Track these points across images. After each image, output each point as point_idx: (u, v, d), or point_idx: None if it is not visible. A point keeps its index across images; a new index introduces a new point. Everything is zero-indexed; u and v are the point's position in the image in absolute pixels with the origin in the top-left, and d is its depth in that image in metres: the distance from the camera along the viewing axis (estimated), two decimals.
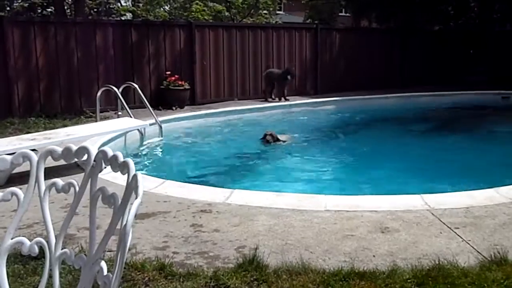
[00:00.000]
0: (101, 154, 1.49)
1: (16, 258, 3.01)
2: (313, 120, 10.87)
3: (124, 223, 1.29)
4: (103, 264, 1.41)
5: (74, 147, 1.55)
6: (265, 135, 7.91)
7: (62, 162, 1.75)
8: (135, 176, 1.37)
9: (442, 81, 14.82)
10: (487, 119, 11.17)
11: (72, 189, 1.62)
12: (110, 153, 1.47)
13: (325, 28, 14.29)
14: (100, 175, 1.64)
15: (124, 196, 1.37)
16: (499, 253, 3.14)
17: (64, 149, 1.61)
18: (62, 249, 1.65)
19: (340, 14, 26.15)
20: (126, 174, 1.41)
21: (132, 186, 1.36)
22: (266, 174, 6.33)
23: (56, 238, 1.66)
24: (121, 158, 1.45)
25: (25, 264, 3.04)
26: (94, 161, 1.51)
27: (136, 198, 1.33)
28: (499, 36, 16.29)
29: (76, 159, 1.56)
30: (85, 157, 1.52)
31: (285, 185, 5.54)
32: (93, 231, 1.45)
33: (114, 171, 1.46)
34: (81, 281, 1.43)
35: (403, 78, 14.86)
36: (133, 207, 1.28)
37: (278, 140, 7.90)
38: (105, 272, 1.38)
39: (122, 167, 1.43)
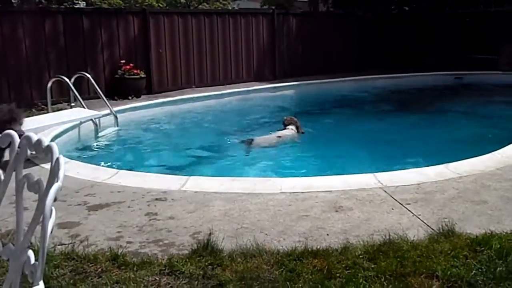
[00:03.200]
0: (25, 140, 1.43)
1: None
2: (272, 104, 10.90)
3: (43, 207, 1.23)
4: (31, 253, 1.36)
5: None
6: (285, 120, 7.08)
7: None
8: (57, 159, 1.32)
9: (399, 64, 15.10)
10: (440, 98, 11.49)
11: None
12: (35, 138, 1.41)
13: (282, 13, 14.27)
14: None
15: (48, 182, 1.32)
16: (447, 225, 3.24)
17: None
18: None
19: None
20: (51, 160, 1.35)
21: (55, 170, 1.31)
22: (222, 161, 6.31)
23: None
24: (45, 143, 1.39)
25: None
26: (19, 147, 1.45)
27: (57, 181, 1.28)
28: (451, 18, 16.69)
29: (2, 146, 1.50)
30: (9, 144, 1.45)
31: (243, 170, 5.56)
32: (20, 220, 1.39)
33: (40, 157, 1.41)
34: (10, 272, 1.37)
35: (361, 61, 15.05)
36: (52, 190, 1.23)
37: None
38: (32, 261, 1.33)
39: (46, 152, 1.37)
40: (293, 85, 12.42)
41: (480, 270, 2.70)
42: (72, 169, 4.87)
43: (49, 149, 1.35)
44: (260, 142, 6.73)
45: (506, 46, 14.88)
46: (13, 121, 4.46)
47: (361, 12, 15.18)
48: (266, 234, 3.33)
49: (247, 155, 6.48)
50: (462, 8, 16.73)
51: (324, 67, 13.95)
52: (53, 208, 1.27)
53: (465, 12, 16.48)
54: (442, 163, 4.74)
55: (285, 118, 7.29)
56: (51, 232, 1.29)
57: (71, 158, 5.64)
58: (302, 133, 7.17)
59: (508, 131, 7.05)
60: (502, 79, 13.47)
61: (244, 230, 3.41)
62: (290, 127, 7.05)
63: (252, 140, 6.73)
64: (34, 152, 1.45)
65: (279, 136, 6.89)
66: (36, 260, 1.35)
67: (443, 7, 17.31)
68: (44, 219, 1.22)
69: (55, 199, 1.28)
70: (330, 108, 10.64)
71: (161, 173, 5.07)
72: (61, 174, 1.28)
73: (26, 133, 1.47)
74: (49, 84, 8.03)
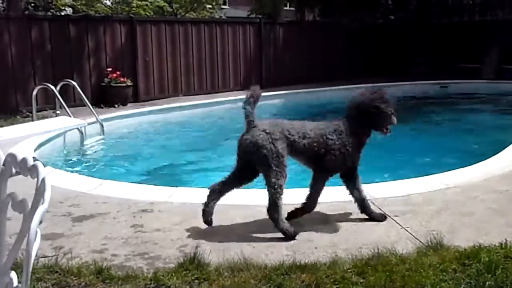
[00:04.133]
0: (10, 158, 1.38)
1: None
2: (258, 113, 10.86)
3: (28, 231, 1.19)
4: (13, 274, 1.31)
5: None
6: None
7: None
8: (43, 180, 1.27)
9: (386, 73, 15.22)
10: (427, 108, 11.57)
11: None
12: (20, 156, 1.36)
13: (269, 22, 14.33)
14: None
15: (33, 202, 1.28)
16: (435, 238, 3.23)
17: None
18: None
19: (285, 8, 26.33)
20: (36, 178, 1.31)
21: (41, 191, 1.26)
22: (210, 171, 6.25)
23: None
24: (30, 162, 1.35)
25: None
26: (3, 165, 1.40)
27: (43, 203, 1.23)
28: (437, 28, 16.90)
29: None
30: None
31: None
32: (2, 241, 1.34)
33: (24, 176, 1.36)
34: None
35: (348, 70, 15.14)
36: (37, 213, 1.19)
37: None
38: (15, 283, 1.28)
39: (32, 171, 1.33)
40: (280, 94, 12.44)
41: (469, 284, 2.68)
42: (57, 179, 4.79)
43: (34, 168, 1.31)
44: None
45: (490, 55, 15.10)
46: None
47: (348, 21, 15.29)
48: (253, 247, 3.29)
49: None
50: (448, 18, 16.95)
51: (311, 76, 14.01)
52: (38, 230, 1.23)
53: (450, 22, 16.71)
54: (429, 174, 4.75)
55: None
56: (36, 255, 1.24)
57: (55, 167, 5.55)
58: None
59: (494, 141, 7.11)
60: (487, 87, 13.64)
61: (232, 242, 3.37)
62: None
63: None
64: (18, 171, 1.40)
65: None
66: (19, 282, 1.30)
67: (428, 16, 17.53)
68: (28, 243, 1.17)
69: (40, 222, 1.23)
70: (317, 117, 10.64)
71: (147, 184, 5.01)
72: (47, 195, 1.23)
73: (11, 151, 1.42)
74: (35, 92, 7.94)
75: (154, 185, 4.90)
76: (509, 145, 5.87)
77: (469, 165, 5.05)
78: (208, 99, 11.52)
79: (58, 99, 7.78)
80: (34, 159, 1.41)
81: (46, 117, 8.38)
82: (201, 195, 4.31)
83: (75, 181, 4.88)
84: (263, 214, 3.83)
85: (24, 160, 1.34)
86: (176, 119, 9.81)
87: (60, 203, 4.23)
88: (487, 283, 2.68)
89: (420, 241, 3.28)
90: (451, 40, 16.15)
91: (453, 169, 4.90)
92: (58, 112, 8.07)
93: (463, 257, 2.97)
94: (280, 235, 3.42)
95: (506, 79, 14.10)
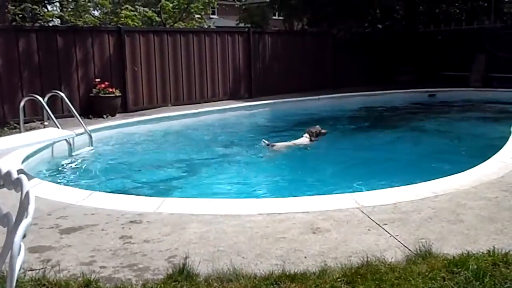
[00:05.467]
0: None
1: None
2: (247, 122, 10.90)
3: (11, 245, 1.17)
4: None
5: None
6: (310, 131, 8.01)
7: None
8: (27, 193, 1.26)
9: (373, 81, 15.35)
10: (415, 116, 11.65)
11: None
12: (4, 170, 1.35)
13: (258, 32, 14.39)
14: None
15: (17, 216, 1.26)
16: (424, 246, 3.24)
17: None
18: None
19: (274, 17, 26.48)
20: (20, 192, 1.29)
21: (25, 205, 1.25)
22: (199, 181, 6.24)
23: None
24: (14, 175, 1.33)
25: None
26: None
27: (27, 217, 1.22)
28: (424, 36, 17.08)
29: None
30: None
31: (222, 189, 5.50)
32: None
33: (8, 189, 1.34)
34: None
35: (336, 79, 15.25)
36: (20, 228, 1.17)
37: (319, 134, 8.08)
38: None
39: (16, 184, 1.31)
40: (269, 103, 12.47)
41: None
42: (45, 191, 4.75)
43: (18, 182, 1.29)
44: (280, 147, 7.69)
45: (477, 63, 15.28)
46: None
47: (336, 30, 15.41)
48: (243, 257, 3.27)
49: (261, 156, 7.47)
50: (435, 26, 17.15)
51: (300, 85, 14.08)
52: (22, 244, 1.21)
53: (437, 30, 16.89)
54: (418, 182, 4.77)
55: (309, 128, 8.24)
56: (20, 269, 1.22)
57: (43, 179, 5.50)
58: (312, 141, 7.98)
59: (482, 149, 7.17)
60: (474, 95, 13.79)
61: (221, 253, 3.35)
62: (305, 135, 8.04)
63: (274, 144, 7.63)
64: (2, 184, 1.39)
65: (294, 143, 7.89)
66: None
67: (416, 25, 17.73)
68: (11, 258, 1.15)
69: (24, 236, 1.22)
70: (306, 126, 10.68)
71: (136, 195, 4.97)
72: (30, 209, 1.22)
73: None
74: (22, 103, 7.86)
75: (143, 196, 4.87)
76: (496, 152, 5.93)
77: (458, 172, 5.08)
78: (197, 108, 11.50)
79: (46, 110, 7.71)
80: (20, 171, 1.40)
81: (34, 129, 8.30)
82: (189, 205, 4.32)
83: (63, 193, 4.83)
84: (252, 224, 3.84)
85: (8, 173, 1.33)
86: (165, 129, 9.78)
87: (48, 215, 4.18)
88: None
89: (409, 249, 3.29)
90: (439, 49, 16.33)
91: (442, 177, 4.92)
92: (46, 123, 8.00)
93: (452, 265, 2.98)
94: (270, 244, 3.41)
95: (493, 87, 14.28)
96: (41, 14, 16.17)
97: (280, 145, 7.72)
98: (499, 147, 6.19)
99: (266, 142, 7.54)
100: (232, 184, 5.93)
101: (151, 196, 4.92)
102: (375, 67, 16.06)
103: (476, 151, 7.23)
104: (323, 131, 8.21)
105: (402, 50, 16.77)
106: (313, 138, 7.96)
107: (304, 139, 7.96)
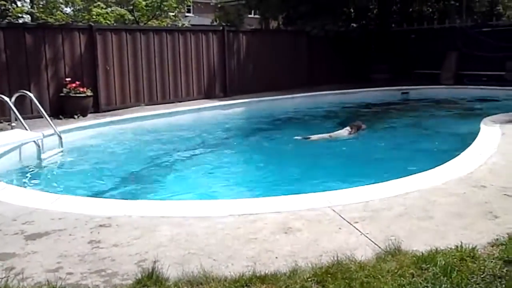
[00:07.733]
0: None
1: None
2: (222, 120, 10.85)
3: None
4: None
5: None
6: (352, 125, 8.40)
7: None
8: None
9: (348, 80, 15.45)
10: (388, 114, 11.78)
11: None
12: None
13: (232, 30, 14.33)
14: None
15: None
16: (393, 244, 3.25)
17: None
18: None
19: (249, 16, 26.41)
20: None
21: None
22: (171, 183, 6.16)
23: None
24: None
25: None
26: None
27: None
28: (397, 35, 17.29)
29: None
30: None
31: (193, 191, 5.44)
32: None
33: None
34: None
35: (311, 77, 15.31)
36: None
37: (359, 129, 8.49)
38: None
39: None
40: (244, 102, 12.44)
41: (426, 287, 2.72)
42: (10, 195, 4.62)
43: None
44: (315, 138, 8.10)
45: (448, 61, 15.54)
46: None
47: (310, 28, 15.45)
48: (214, 259, 3.23)
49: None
50: (407, 25, 17.36)
51: (275, 84, 14.08)
52: None
53: (410, 29, 17.11)
54: (389, 180, 4.80)
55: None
56: None
57: (9, 183, 5.34)
58: (351, 133, 8.40)
59: (452, 145, 7.28)
60: (445, 92, 14.02)
61: (191, 256, 3.30)
62: (346, 128, 8.51)
63: (309, 137, 8.07)
64: None
65: (330, 135, 8.32)
66: None
67: (389, 24, 17.93)
68: None
69: None
70: (281, 124, 10.71)
71: (106, 198, 4.88)
72: None
73: None
74: None
75: (112, 198, 4.78)
76: (466, 149, 6.02)
77: (428, 169, 5.13)
78: (171, 108, 11.39)
79: (13, 111, 7.52)
80: None
81: (1, 130, 8.08)
82: (159, 207, 4.25)
83: (30, 197, 4.71)
84: (223, 225, 3.80)
85: None
86: (137, 130, 9.64)
87: (13, 220, 4.06)
88: (443, 286, 2.72)
89: (379, 247, 3.30)
90: (412, 47, 16.56)
91: (412, 174, 4.97)
92: (13, 124, 7.80)
93: (420, 261, 3.00)
94: (241, 245, 3.38)
95: (464, 85, 14.55)
96: (10, 10, 15.79)
97: (315, 137, 8.13)
98: (469, 144, 6.29)
99: (300, 137, 7.92)
100: (200, 186, 5.85)
101: (121, 199, 4.83)
102: (350, 65, 16.19)
103: (446, 147, 7.33)
104: (363, 126, 8.68)
105: (377, 49, 16.95)
106: (352, 132, 8.38)
107: (344, 132, 8.40)
